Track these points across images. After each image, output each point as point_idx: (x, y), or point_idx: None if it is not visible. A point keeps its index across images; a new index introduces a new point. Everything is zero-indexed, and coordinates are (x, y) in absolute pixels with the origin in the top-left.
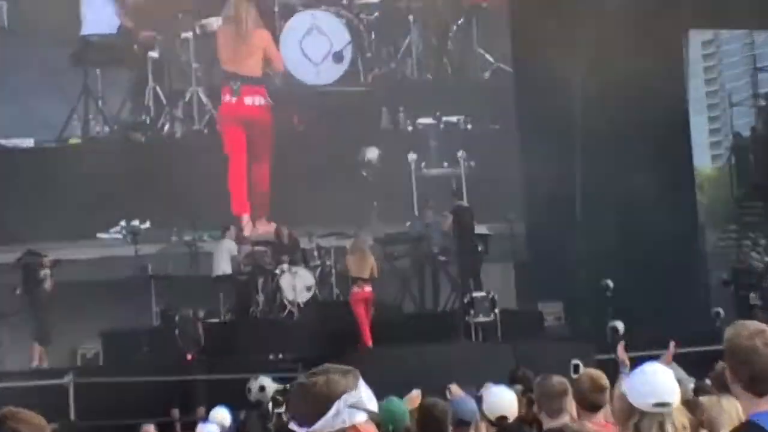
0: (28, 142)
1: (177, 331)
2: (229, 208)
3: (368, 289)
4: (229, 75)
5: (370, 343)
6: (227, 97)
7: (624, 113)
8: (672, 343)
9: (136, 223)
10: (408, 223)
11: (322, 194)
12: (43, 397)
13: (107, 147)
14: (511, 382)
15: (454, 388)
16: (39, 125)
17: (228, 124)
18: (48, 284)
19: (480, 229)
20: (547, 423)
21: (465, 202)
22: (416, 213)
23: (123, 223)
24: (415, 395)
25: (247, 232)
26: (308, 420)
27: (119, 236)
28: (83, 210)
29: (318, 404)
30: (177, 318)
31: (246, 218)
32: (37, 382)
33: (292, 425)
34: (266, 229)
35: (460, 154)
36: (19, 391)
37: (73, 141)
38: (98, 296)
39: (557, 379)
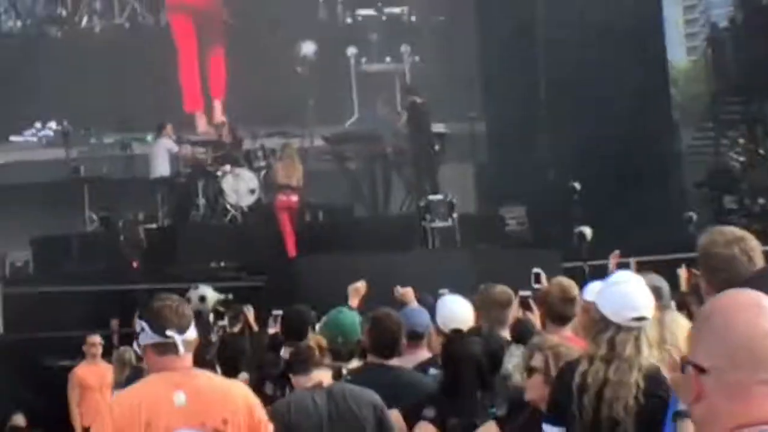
0: None
1: (122, 237)
2: (154, 105)
3: (294, 198)
4: None
5: (294, 253)
6: None
7: (592, 3)
8: (615, 253)
9: (52, 124)
10: (350, 121)
11: (256, 91)
12: None
13: (21, 43)
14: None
15: (402, 290)
16: None
17: (176, 12)
18: None
19: (437, 127)
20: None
21: (419, 98)
22: (356, 111)
23: (38, 124)
24: (360, 285)
25: (201, 128)
26: None
27: (34, 139)
28: None
29: None
30: (120, 223)
31: (199, 114)
32: None
33: None
34: (219, 115)
35: (404, 48)
36: None
37: None
38: (26, 201)
39: (501, 289)
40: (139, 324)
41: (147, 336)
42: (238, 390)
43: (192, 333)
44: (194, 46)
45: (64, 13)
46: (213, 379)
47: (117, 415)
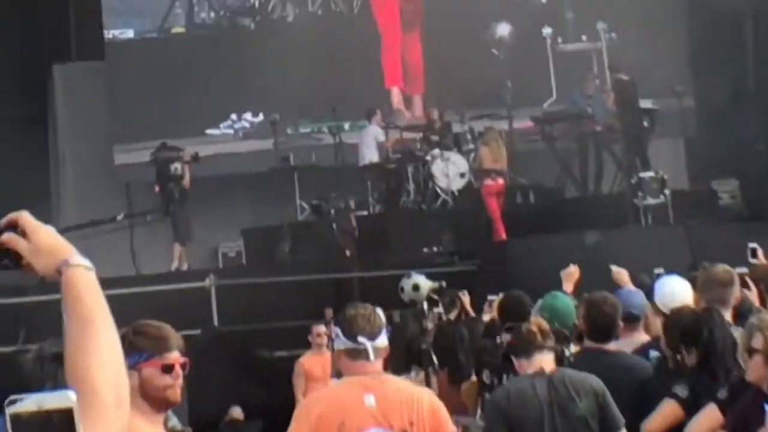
0: (128, 33)
1: (334, 226)
2: (351, 93)
3: (501, 181)
4: None
5: (504, 237)
6: None
7: None
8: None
9: (248, 116)
10: (548, 102)
11: (455, 74)
12: (185, 300)
13: (214, 34)
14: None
15: (617, 270)
16: (138, 14)
17: None
18: (187, 181)
19: (644, 103)
20: None
21: (625, 75)
22: (554, 92)
23: (234, 116)
24: (573, 270)
25: (396, 104)
26: None
27: (230, 131)
28: (189, 104)
29: None
30: (333, 211)
31: (396, 91)
32: (177, 285)
33: None
34: (419, 109)
35: (600, 25)
36: (159, 295)
37: (177, 30)
38: (237, 191)
39: (722, 267)
40: (334, 330)
41: (340, 341)
42: (424, 394)
43: (383, 340)
44: (398, 27)
45: (256, 3)
46: (400, 384)
47: (313, 416)
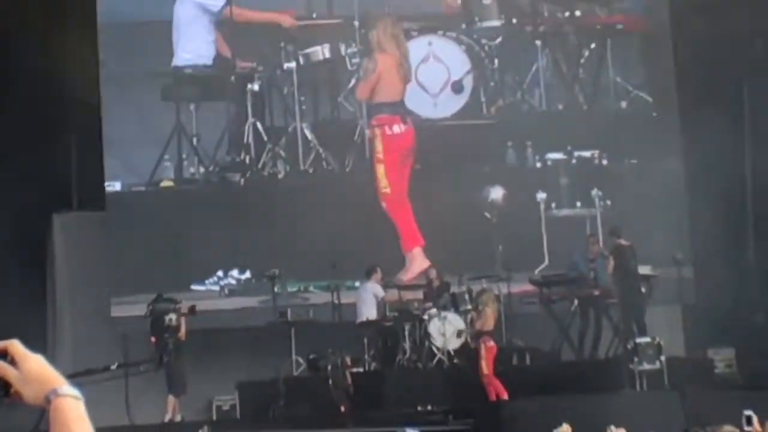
0: (115, 186)
1: (330, 382)
2: (340, 252)
3: (491, 343)
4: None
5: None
6: (394, 128)
7: None
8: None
9: (234, 272)
10: (539, 268)
11: (442, 237)
12: None
13: (202, 189)
14: None
15: (616, 431)
16: (126, 167)
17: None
18: (182, 333)
19: (643, 269)
20: None
21: (624, 240)
22: (546, 258)
23: (220, 273)
24: (565, 428)
25: (417, 268)
26: None
27: (215, 288)
28: (177, 258)
29: None
30: (329, 367)
31: (418, 251)
32: None
33: None
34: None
35: (595, 192)
36: None
37: (165, 184)
38: (233, 345)
39: (728, 429)
40: None
41: None
42: None
43: None
44: (406, 184)
45: (246, 159)
46: None
47: None
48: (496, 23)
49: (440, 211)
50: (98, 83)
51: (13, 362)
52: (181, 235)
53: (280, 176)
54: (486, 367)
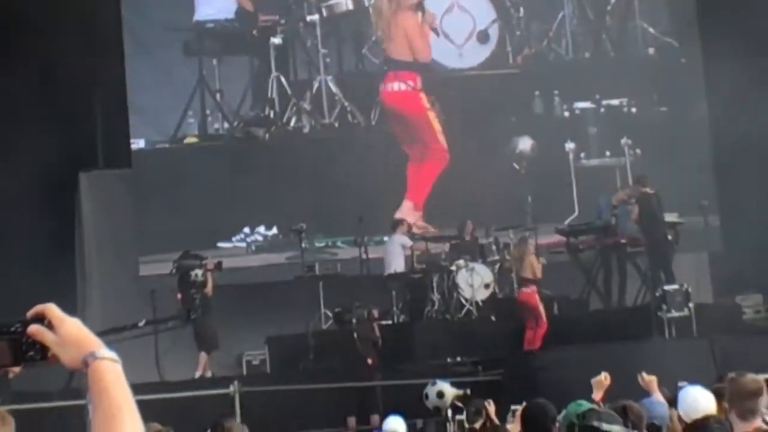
0: (139, 144)
1: (355, 335)
2: (379, 206)
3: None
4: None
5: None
6: (396, 85)
7: None
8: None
9: (261, 229)
10: (569, 219)
11: (471, 189)
12: (209, 407)
13: (227, 145)
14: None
15: (648, 377)
16: (150, 124)
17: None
18: (210, 288)
19: (669, 216)
20: (738, 426)
21: (650, 189)
22: (576, 208)
23: (246, 229)
24: (603, 377)
25: (411, 219)
26: None
27: (242, 245)
28: (201, 216)
29: None
30: (354, 320)
31: (409, 204)
32: (202, 392)
33: None
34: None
35: (624, 141)
36: (183, 402)
37: (189, 140)
38: (262, 300)
39: (751, 377)
40: None
41: None
42: None
43: None
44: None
45: (271, 114)
46: None
47: None
48: None
49: (467, 162)
50: (121, 40)
51: (50, 326)
52: (207, 192)
53: (305, 130)
54: (541, 316)
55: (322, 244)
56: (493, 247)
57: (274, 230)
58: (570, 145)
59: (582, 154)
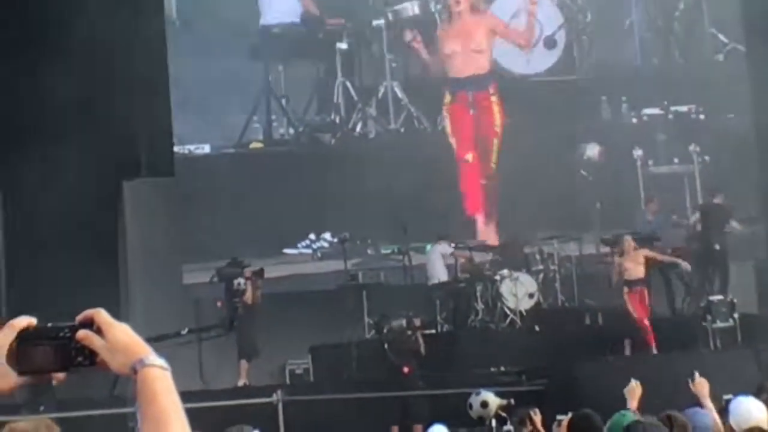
0: (204, 149)
1: (386, 345)
2: (431, 212)
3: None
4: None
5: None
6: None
7: None
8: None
9: (327, 235)
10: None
11: (537, 195)
12: (252, 416)
13: (293, 150)
14: (758, 392)
15: (699, 380)
16: (215, 129)
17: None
18: (250, 296)
19: (729, 227)
20: None
21: (718, 198)
22: (646, 215)
23: (312, 236)
24: (634, 385)
25: (482, 236)
26: None
27: (308, 251)
28: (267, 222)
29: None
30: (386, 330)
31: (480, 219)
32: (244, 400)
33: None
34: (492, 232)
35: (692, 147)
36: (226, 410)
37: (255, 145)
38: (306, 308)
39: None
40: None
41: None
42: None
43: None
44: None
45: (337, 119)
46: None
47: None
48: None
49: (533, 169)
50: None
51: (99, 331)
52: (269, 198)
53: (371, 136)
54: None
55: (388, 251)
56: (537, 257)
57: (345, 235)
58: (638, 152)
59: (650, 161)
